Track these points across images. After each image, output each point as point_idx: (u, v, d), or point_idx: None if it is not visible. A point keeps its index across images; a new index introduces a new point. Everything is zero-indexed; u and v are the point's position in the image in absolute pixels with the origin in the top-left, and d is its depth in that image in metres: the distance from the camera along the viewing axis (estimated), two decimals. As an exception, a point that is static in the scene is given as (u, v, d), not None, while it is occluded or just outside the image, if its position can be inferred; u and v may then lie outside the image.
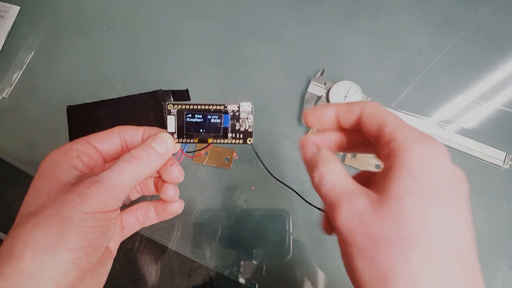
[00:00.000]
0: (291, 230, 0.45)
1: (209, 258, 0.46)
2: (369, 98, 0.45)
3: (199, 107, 0.27)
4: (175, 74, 0.52)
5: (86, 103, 0.46)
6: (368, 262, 0.16)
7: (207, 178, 0.47)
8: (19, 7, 0.56)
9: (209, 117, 0.27)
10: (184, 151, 0.31)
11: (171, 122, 0.27)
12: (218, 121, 0.27)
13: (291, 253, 0.44)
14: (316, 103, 0.47)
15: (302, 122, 0.46)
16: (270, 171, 0.31)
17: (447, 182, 0.17)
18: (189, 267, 0.58)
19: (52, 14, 0.56)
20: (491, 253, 0.42)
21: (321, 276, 0.43)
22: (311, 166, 0.21)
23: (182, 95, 0.47)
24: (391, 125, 0.18)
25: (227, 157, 0.47)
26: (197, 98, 0.47)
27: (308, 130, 0.46)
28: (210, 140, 0.27)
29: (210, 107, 0.27)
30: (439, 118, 0.47)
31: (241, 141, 0.27)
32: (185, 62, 0.52)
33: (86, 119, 0.46)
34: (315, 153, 0.21)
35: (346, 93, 0.45)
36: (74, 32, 0.54)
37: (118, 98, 0.47)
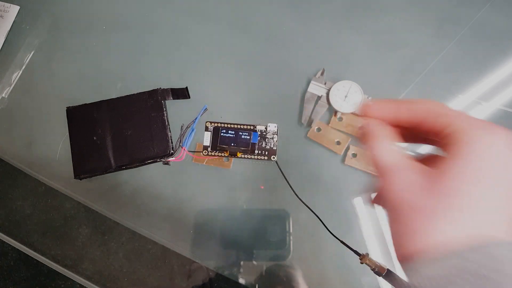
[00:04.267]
0: (291, 230, 0.45)
1: (209, 258, 0.46)
2: (370, 98, 0.45)
3: (232, 126, 0.34)
4: (174, 73, 0.52)
5: (86, 104, 0.46)
6: (410, 232, 0.18)
7: (207, 178, 0.47)
8: (19, 7, 0.55)
9: (240, 133, 0.33)
10: (187, 148, 0.32)
11: (207, 137, 0.34)
12: (248, 137, 0.33)
13: (291, 253, 0.44)
14: (316, 103, 0.47)
15: (302, 121, 0.46)
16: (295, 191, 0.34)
17: (497, 168, 0.17)
18: (189, 267, 0.58)
19: (52, 14, 0.55)
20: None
21: (321, 276, 0.43)
22: (370, 136, 0.22)
23: (181, 93, 0.47)
24: (453, 117, 0.19)
25: (227, 157, 0.47)
26: (197, 97, 0.47)
27: (307, 131, 0.46)
28: (239, 154, 0.33)
29: (242, 126, 0.34)
30: (439, 118, 0.47)
31: (265, 157, 0.31)
32: (184, 62, 0.52)
33: (85, 120, 0.46)
34: (377, 125, 0.22)
35: (347, 93, 0.45)
36: (74, 32, 0.54)
37: (117, 97, 0.47)
